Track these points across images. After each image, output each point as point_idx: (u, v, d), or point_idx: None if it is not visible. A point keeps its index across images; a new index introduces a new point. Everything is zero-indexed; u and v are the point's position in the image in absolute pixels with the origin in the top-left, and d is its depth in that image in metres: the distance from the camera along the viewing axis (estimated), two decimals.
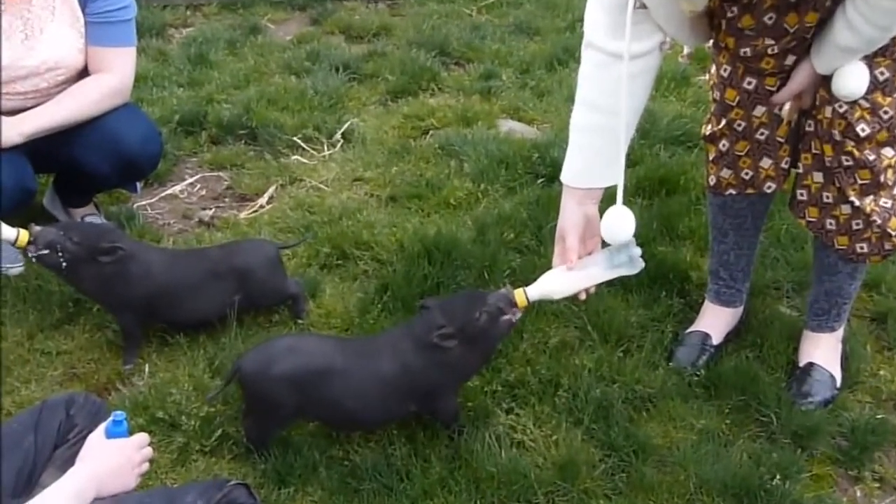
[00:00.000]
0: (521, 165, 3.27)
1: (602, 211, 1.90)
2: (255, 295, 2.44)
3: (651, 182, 3.14)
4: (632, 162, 3.26)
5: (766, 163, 2.18)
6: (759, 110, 2.10)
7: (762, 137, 2.14)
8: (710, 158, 2.26)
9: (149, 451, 1.68)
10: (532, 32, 4.58)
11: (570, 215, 1.94)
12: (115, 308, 2.38)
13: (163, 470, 2.04)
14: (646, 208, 3.04)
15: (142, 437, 1.68)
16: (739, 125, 2.14)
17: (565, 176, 1.97)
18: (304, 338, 2.19)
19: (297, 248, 2.79)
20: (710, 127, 2.23)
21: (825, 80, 1.93)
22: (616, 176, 1.84)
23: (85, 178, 2.73)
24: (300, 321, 2.51)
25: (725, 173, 2.24)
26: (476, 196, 3.14)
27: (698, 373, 2.32)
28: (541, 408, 2.22)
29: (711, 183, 2.29)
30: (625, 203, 1.83)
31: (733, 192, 2.26)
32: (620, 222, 1.84)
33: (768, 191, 2.23)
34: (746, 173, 2.21)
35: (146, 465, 1.67)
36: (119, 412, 1.67)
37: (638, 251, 1.93)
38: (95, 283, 2.30)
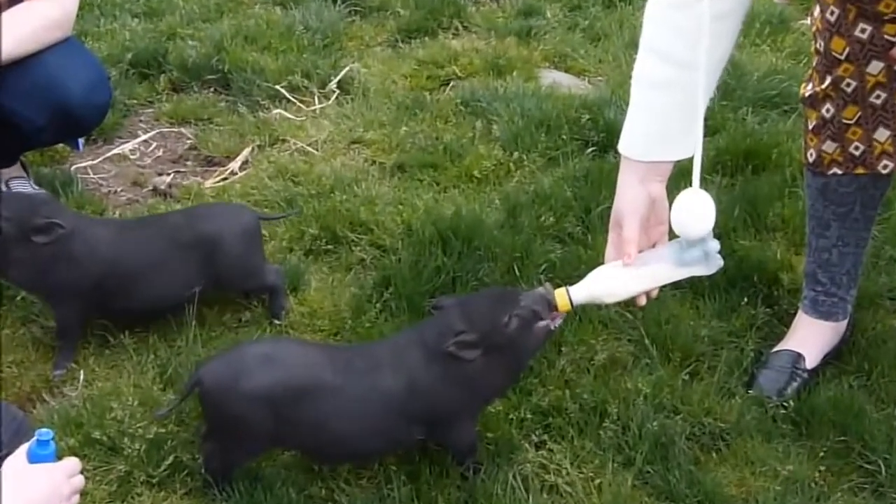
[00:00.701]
0: (567, 129, 3.25)
1: (671, 193, 1.88)
2: (225, 275, 2.46)
3: (734, 156, 3.12)
4: (710, 129, 3.24)
5: (882, 135, 2.16)
6: (875, 66, 2.07)
7: (878, 102, 2.12)
8: (811, 127, 2.24)
9: (80, 480, 1.68)
10: None
11: (630, 196, 1.91)
12: (54, 297, 2.40)
13: None
14: (726, 189, 3.01)
15: (72, 463, 1.68)
16: (849, 85, 2.12)
17: (625, 145, 1.95)
18: (282, 344, 2.19)
19: (276, 223, 2.80)
20: (811, 86, 2.21)
21: None
22: (691, 147, 1.82)
23: (12, 131, 2.72)
24: (277, 322, 2.52)
25: (829, 147, 2.22)
26: (507, 167, 3.13)
27: (786, 404, 2.31)
28: (581, 442, 2.21)
29: (811, 159, 2.27)
30: (700, 184, 1.81)
31: (838, 171, 2.24)
32: (696, 208, 1.81)
33: (884, 171, 2.20)
34: (856, 147, 2.19)
35: (76, 499, 1.67)
36: (45, 430, 1.67)
37: (716, 245, 1.90)
38: (27, 268, 2.31)
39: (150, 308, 2.44)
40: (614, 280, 1.93)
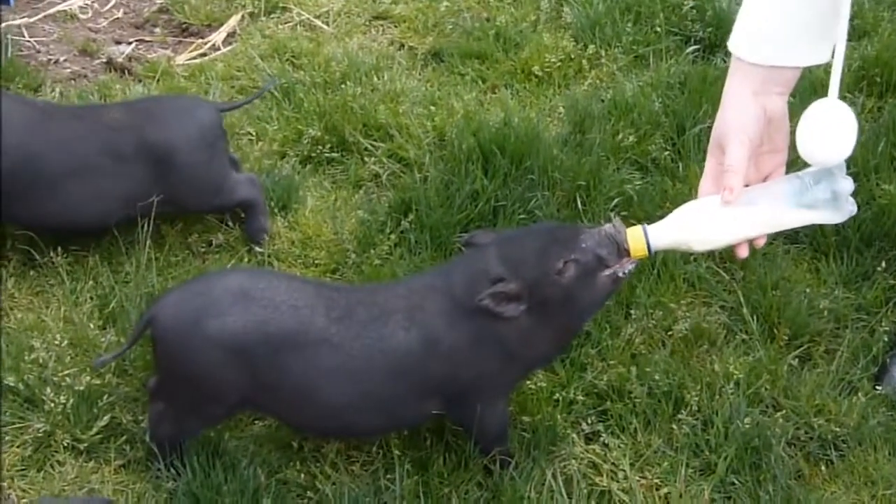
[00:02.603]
0: (662, 19, 3.23)
1: (796, 112, 1.83)
2: (175, 191, 2.46)
3: (887, 69, 3.07)
4: (857, 31, 3.21)
5: None
6: None
7: None
8: None
9: None
10: None
11: (739, 111, 1.87)
12: None
13: (5, 473, 2.06)
14: (870, 115, 2.97)
15: None
16: None
17: (737, 42, 1.90)
18: (262, 277, 2.16)
19: (266, 115, 2.82)
20: None
21: None
22: (827, 49, 1.79)
23: None
24: (258, 248, 2.54)
25: None
26: (578, 65, 3.13)
27: None
28: (646, 438, 2.22)
29: None
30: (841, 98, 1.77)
31: None
32: (832, 129, 1.78)
33: None
34: None
35: None
36: None
37: (849, 185, 1.86)
38: None
39: (70, 228, 2.46)
40: (709, 220, 1.90)
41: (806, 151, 1.79)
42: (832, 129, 1.77)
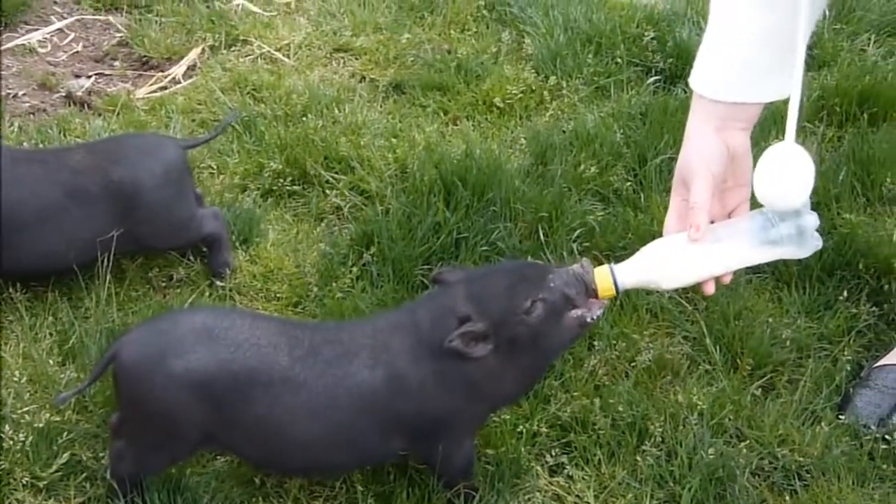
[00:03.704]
0: (623, 51, 3.26)
1: (757, 146, 1.85)
2: (141, 230, 2.46)
3: (846, 100, 3.10)
4: (816, 62, 3.24)
5: None
6: None
7: None
8: None
9: None
10: None
11: (702, 148, 1.90)
12: None
13: None
14: (831, 145, 3.01)
15: None
16: None
17: (699, 78, 1.92)
18: (228, 315, 2.14)
19: (228, 150, 2.82)
20: None
21: None
22: (786, 85, 1.80)
23: None
24: (220, 283, 2.54)
25: None
26: (539, 96, 3.15)
27: (889, 437, 2.29)
28: (611, 470, 2.21)
29: None
30: (798, 135, 1.78)
31: None
32: (790, 169, 1.79)
33: None
34: None
35: None
36: None
37: (814, 220, 1.89)
38: None
39: (33, 270, 2.46)
40: (675, 259, 1.91)
41: (763, 196, 1.81)
42: (789, 175, 1.79)
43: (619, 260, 1.97)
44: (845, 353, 2.47)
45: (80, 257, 2.44)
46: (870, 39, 3.38)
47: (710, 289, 1.92)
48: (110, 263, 2.43)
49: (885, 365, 2.42)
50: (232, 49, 3.30)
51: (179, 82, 3.16)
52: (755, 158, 1.82)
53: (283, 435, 2.00)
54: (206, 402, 1.95)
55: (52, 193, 2.41)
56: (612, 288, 1.92)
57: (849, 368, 2.44)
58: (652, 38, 3.28)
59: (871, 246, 2.65)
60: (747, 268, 2.00)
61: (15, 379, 2.24)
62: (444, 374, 1.98)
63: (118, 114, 2.99)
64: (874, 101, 3.11)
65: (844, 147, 2.97)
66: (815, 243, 1.89)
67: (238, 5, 3.45)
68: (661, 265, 1.92)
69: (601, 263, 1.97)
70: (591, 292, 1.94)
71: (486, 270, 2.21)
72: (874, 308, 2.57)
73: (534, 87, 3.16)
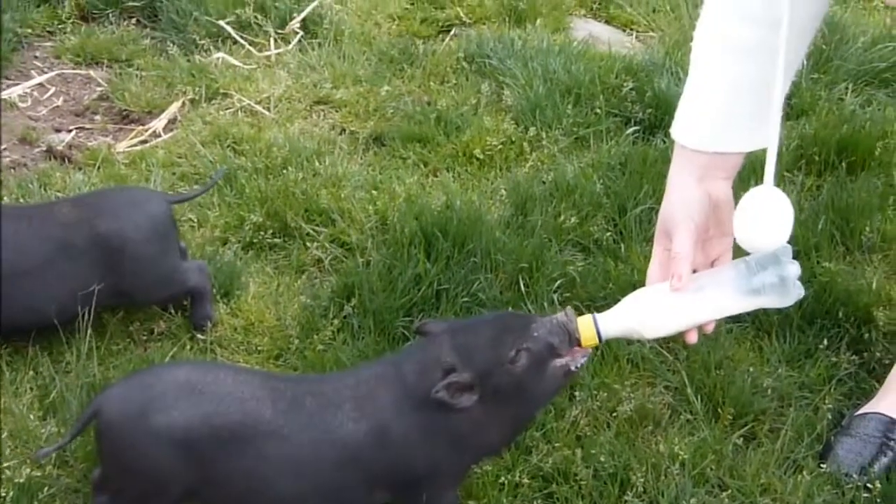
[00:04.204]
0: (603, 101, 3.28)
1: (738, 194, 1.87)
2: (127, 284, 2.46)
3: (824, 149, 3.13)
4: (795, 111, 3.27)
5: None
6: None
7: None
8: None
9: None
10: None
11: (684, 198, 1.92)
12: None
13: None
14: (809, 193, 3.03)
15: None
16: None
17: (680, 129, 1.95)
18: (211, 370, 2.14)
19: (208, 203, 2.82)
20: None
21: None
22: (765, 135, 1.82)
23: None
24: (200, 336, 2.53)
25: None
26: (520, 147, 3.16)
27: (870, 485, 2.28)
28: None
29: None
30: (777, 183, 1.80)
31: None
32: (769, 215, 1.81)
33: None
34: None
35: None
36: None
37: (795, 269, 1.90)
38: None
39: (21, 323, 2.45)
40: (658, 308, 1.93)
41: (743, 239, 1.83)
42: (768, 217, 1.81)
43: (600, 310, 1.97)
44: (826, 401, 2.47)
45: (62, 311, 2.43)
46: (847, 88, 3.42)
47: (692, 338, 1.94)
48: (91, 317, 2.42)
49: (866, 413, 2.42)
50: (212, 102, 3.32)
51: (160, 136, 3.17)
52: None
53: (268, 489, 1.99)
54: (189, 458, 1.94)
55: (37, 248, 2.41)
56: (595, 337, 1.93)
57: (830, 417, 2.44)
58: (631, 89, 3.31)
59: (850, 294, 2.67)
60: (728, 317, 2.01)
61: None
62: (429, 425, 1.97)
63: (99, 167, 3.00)
64: (852, 150, 3.13)
65: (823, 196, 3.00)
66: (797, 292, 1.91)
67: (218, 59, 3.47)
68: (643, 315, 1.93)
69: (582, 314, 1.97)
70: (574, 341, 1.94)
71: (470, 321, 2.21)
72: (854, 356, 2.58)
73: (513, 139, 3.18)
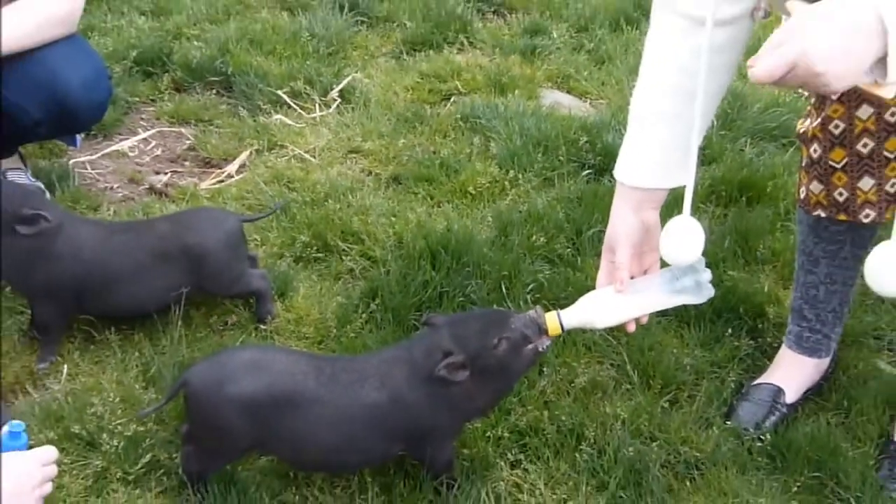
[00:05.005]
0: (565, 151, 3.27)
1: (665, 219, 1.90)
2: (208, 282, 2.48)
3: (729, 186, 3.15)
4: (707, 158, 3.27)
5: (866, 183, 2.14)
6: (865, 111, 2.07)
7: (864, 150, 2.10)
8: (802, 164, 2.25)
9: (53, 469, 1.70)
10: None
11: (624, 222, 1.94)
12: (33, 293, 2.41)
13: (72, 499, 2.06)
14: (718, 220, 3.04)
15: (47, 452, 1.70)
16: (837, 127, 2.11)
17: (621, 171, 1.97)
18: (270, 351, 2.19)
19: (268, 228, 2.81)
20: (807, 122, 2.20)
21: None
22: (685, 176, 1.84)
23: (10, 123, 2.70)
24: (263, 326, 2.55)
25: (815, 187, 2.21)
26: (502, 185, 3.15)
27: (763, 437, 2.31)
28: (556, 464, 2.23)
29: (801, 196, 2.27)
30: (693, 212, 1.84)
31: (822, 213, 2.24)
32: (686, 237, 1.83)
33: (865, 220, 2.18)
34: (840, 193, 2.18)
35: (49, 487, 1.69)
36: (17, 423, 1.69)
37: (708, 275, 1.95)
38: (9, 260, 2.30)
39: (129, 312, 2.47)
40: (606, 306, 1.97)
41: (667, 254, 1.87)
42: (686, 238, 1.84)
43: (562, 307, 2.02)
44: (730, 375, 2.50)
45: (158, 304, 2.45)
46: (747, 142, 3.43)
47: (631, 328, 1.99)
48: (181, 312, 2.45)
49: (760, 383, 2.45)
50: (272, 152, 3.31)
51: (233, 177, 3.17)
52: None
53: (311, 442, 2.03)
54: (253, 418, 1.97)
55: (140, 254, 2.42)
56: (559, 328, 1.98)
57: (733, 386, 2.47)
58: (585, 142, 3.32)
59: (748, 295, 2.70)
60: (658, 312, 2.04)
61: (110, 399, 2.26)
62: (433, 394, 2.00)
63: (187, 201, 3.01)
64: (751, 188, 3.15)
65: (728, 221, 3.02)
66: (709, 292, 1.97)
67: (277, 119, 3.47)
68: (595, 311, 1.98)
69: (549, 310, 2.01)
70: (543, 331, 1.99)
71: (464, 316, 2.25)
72: (752, 341, 2.61)
73: (497, 179, 3.18)
